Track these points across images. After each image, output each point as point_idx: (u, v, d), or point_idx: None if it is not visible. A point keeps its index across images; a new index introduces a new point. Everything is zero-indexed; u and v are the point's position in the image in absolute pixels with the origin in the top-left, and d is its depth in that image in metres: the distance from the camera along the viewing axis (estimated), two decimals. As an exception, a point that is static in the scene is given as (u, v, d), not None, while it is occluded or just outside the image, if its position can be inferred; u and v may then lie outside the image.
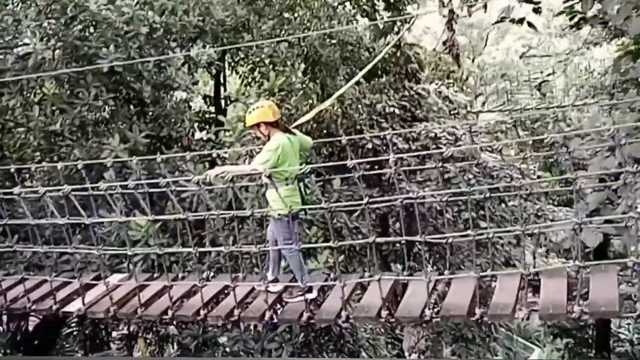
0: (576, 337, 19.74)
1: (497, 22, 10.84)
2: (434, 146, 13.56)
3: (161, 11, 8.97)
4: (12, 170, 7.43)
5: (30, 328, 15.29)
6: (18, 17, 7.80)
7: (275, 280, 6.31)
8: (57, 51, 7.91)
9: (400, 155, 8.20)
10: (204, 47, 9.79)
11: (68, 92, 8.29)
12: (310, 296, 5.97)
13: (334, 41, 12.79)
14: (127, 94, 8.83)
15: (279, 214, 5.75)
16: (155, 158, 6.24)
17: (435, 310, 5.54)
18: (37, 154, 8.59)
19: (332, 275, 6.47)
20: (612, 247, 20.20)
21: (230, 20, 10.85)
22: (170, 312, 6.34)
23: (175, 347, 14.13)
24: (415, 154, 11.99)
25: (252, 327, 7.60)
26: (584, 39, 18.09)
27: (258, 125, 5.85)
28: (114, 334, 16.06)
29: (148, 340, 15.81)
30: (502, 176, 12.86)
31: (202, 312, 6.25)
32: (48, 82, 7.87)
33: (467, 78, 18.77)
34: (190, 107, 10.11)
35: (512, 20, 9.50)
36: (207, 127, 10.80)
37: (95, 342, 15.68)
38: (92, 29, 8.39)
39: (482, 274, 5.39)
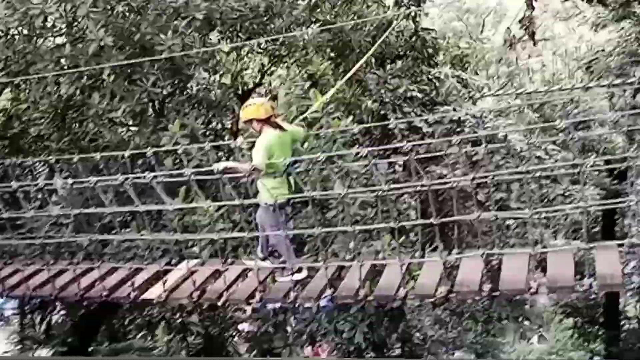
0: (586, 315, 20.16)
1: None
2: (458, 129, 13.67)
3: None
4: (75, 159, 7.40)
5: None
6: (74, 3, 7.69)
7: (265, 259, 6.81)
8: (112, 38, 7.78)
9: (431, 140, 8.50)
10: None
11: (124, 79, 8.21)
12: (298, 276, 6.49)
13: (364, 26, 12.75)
14: (180, 81, 8.76)
15: (265, 203, 6.34)
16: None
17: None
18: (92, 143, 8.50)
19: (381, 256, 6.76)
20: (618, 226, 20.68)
21: (262, 5, 10.78)
22: (258, 295, 6.38)
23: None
24: (446, 138, 12.04)
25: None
26: (591, 20, 18.28)
27: (250, 121, 6.48)
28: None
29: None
30: (528, 157, 12.99)
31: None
32: (106, 69, 7.76)
33: (480, 60, 18.89)
34: (237, 94, 10.07)
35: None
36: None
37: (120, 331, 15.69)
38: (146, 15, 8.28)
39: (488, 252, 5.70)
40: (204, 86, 8.75)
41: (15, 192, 7.54)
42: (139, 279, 6.99)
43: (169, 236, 7.64)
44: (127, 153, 6.98)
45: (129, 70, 8.27)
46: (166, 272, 6.95)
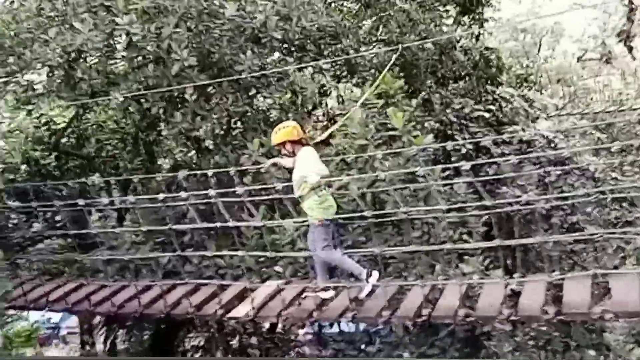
0: (659, 344, 19.20)
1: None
2: (529, 150, 13.36)
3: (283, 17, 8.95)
4: (160, 178, 7.45)
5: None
6: (158, 24, 7.80)
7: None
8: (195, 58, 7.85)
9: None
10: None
11: (204, 98, 8.25)
12: (324, 295, 6.74)
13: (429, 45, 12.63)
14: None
15: (319, 220, 6.47)
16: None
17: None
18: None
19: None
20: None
21: (331, 26, 10.78)
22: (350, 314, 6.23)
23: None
24: (519, 157, 11.75)
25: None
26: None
27: (284, 143, 6.79)
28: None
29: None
30: (605, 179, 12.57)
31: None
32: (188, 89, 7.82)
33: (545, 81, 18.54)
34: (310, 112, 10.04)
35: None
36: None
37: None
38: (225, 35, 8.33)
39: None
40: (278, 105, 8.71)
41: (88, 211, 7.70)
42: (226, 296, 6.93)
43: (249, 253, 7.53)
44: (210, 172, 7.03)
45: (208, 90, 8.31)
46: (251, 290, 6.89)
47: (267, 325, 15.41)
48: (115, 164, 10.37)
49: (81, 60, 8.34)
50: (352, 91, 14.26)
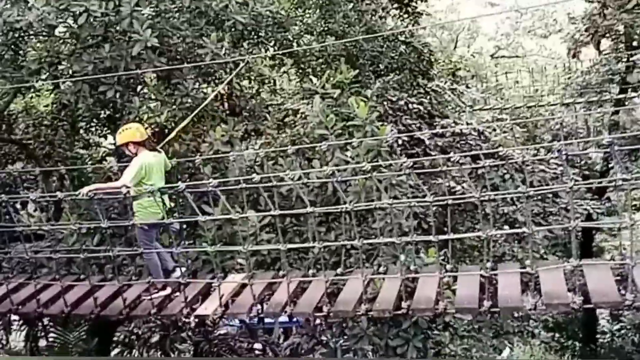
0: (566, 330, 20.62)
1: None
2: (461, 142, 13.81)
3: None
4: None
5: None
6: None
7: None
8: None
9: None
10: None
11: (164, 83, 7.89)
12: (163, 293, 6.90)
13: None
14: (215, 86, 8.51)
15: (140, 224, 6.66)
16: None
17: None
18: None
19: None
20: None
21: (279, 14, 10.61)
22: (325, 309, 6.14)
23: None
24: (468, 153, 12.08)
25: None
26: (576, 38, 18.80)
27: (127, 144, 6.81)
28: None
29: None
30: (535, 171, 13.20)
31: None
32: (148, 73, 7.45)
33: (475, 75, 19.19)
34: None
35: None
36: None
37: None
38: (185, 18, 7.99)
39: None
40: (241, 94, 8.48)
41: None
42: (189, 295, 6.64)
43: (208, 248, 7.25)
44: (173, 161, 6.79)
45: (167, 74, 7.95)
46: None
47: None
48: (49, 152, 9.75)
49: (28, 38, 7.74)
50: (290, 81, 14.13)
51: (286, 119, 9.53)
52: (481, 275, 6.03)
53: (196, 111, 7.61)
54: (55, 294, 6.92)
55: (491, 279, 6.03)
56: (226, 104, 8.84)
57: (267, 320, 17.63)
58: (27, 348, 14.69)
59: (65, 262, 7.70)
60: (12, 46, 7.40)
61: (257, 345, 16.37)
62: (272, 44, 10.78)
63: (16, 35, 7.30)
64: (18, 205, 8.72)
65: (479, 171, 12.90)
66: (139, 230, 6.75)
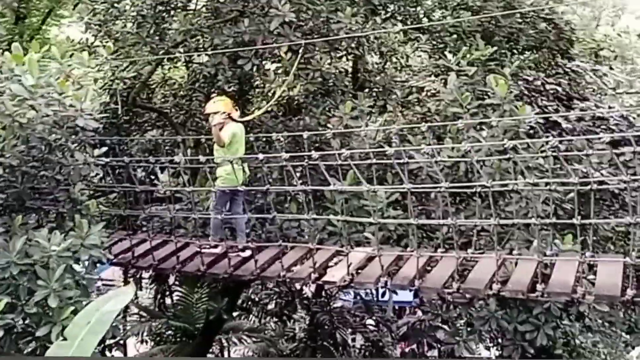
0: None
1: None
2: (602, 127, 12.92)
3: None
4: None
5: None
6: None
7: (221, 241, 7.39)
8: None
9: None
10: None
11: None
12: (243, 254, 7.37)
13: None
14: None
15: (218, 188, 7.31)
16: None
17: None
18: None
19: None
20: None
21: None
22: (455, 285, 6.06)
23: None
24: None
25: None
26: None
27: (217, 113, 7.35)
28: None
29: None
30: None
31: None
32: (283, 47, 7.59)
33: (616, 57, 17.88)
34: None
35: None
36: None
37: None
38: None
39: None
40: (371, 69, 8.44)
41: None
42: (318, 261, 6.77)
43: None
44: (305, 134, 6.92)
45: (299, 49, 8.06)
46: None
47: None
48: (184, 120, 10.24)
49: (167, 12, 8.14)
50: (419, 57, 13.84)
51: (410, 97, 9.38)
52: (624, 264, 5.66)
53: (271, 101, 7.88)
54: (193, 253, 7.35)
55: (637, 268, 5.67)
56: (356, 79, 8.80)
57: (382, 298, 17.70)
58: (155, 305, 15.81)
59: (201, 224, 8.17)
60: (158, 19, 7.79)
61: (370, 322, 16.48)
62: (402, 18, 10.61)
63: (162, 8, 7.68)
64: (157, 170, 9.33)
65: (620, 158, 12.09)
66: (219, 193, 7.35)
